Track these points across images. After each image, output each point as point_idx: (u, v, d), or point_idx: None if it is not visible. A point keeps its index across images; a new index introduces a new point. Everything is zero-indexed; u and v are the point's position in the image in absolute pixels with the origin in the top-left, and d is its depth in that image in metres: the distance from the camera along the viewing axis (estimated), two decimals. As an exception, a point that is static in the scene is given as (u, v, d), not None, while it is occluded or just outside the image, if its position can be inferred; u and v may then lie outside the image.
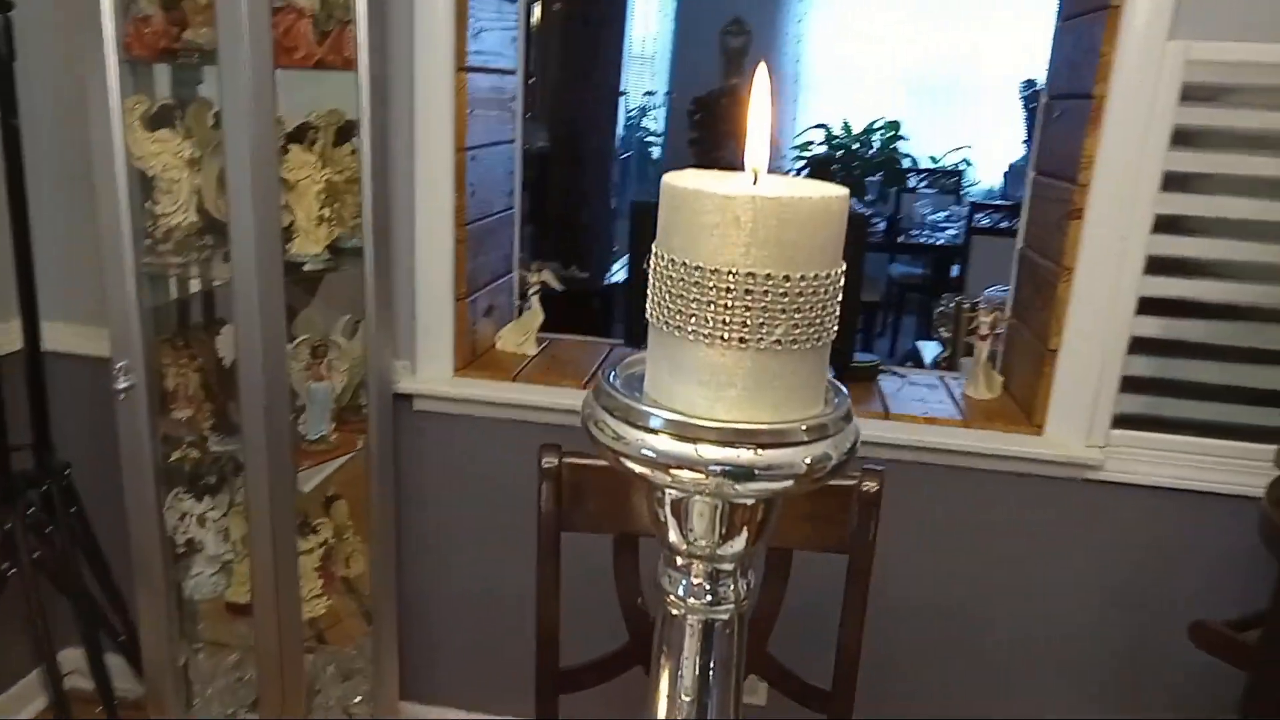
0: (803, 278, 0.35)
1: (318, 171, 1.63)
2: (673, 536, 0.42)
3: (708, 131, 5.89)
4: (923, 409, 1.77)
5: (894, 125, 5.96)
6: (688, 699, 0.44)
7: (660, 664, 0.45)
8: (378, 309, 1.74)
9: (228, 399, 1.81)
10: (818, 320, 0.35)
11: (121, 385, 1.60)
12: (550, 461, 1.14)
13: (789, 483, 0.36)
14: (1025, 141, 5.45)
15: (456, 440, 1.94)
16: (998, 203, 5.10)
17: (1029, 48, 5.76)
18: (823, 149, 5.89)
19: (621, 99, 3.92)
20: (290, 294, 1.82)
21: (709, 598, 0.43)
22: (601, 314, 3.43)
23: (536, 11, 2.91)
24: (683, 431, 0.36)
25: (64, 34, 1.76)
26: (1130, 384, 1.64)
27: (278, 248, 1.56)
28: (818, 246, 0.35)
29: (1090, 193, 1.58)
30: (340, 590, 1.97)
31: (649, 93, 4.86)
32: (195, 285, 1.92)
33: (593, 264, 3.48)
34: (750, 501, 0.40)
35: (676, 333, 0.36)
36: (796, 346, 0.36)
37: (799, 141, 6.03)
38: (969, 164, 5.99)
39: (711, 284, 0.35)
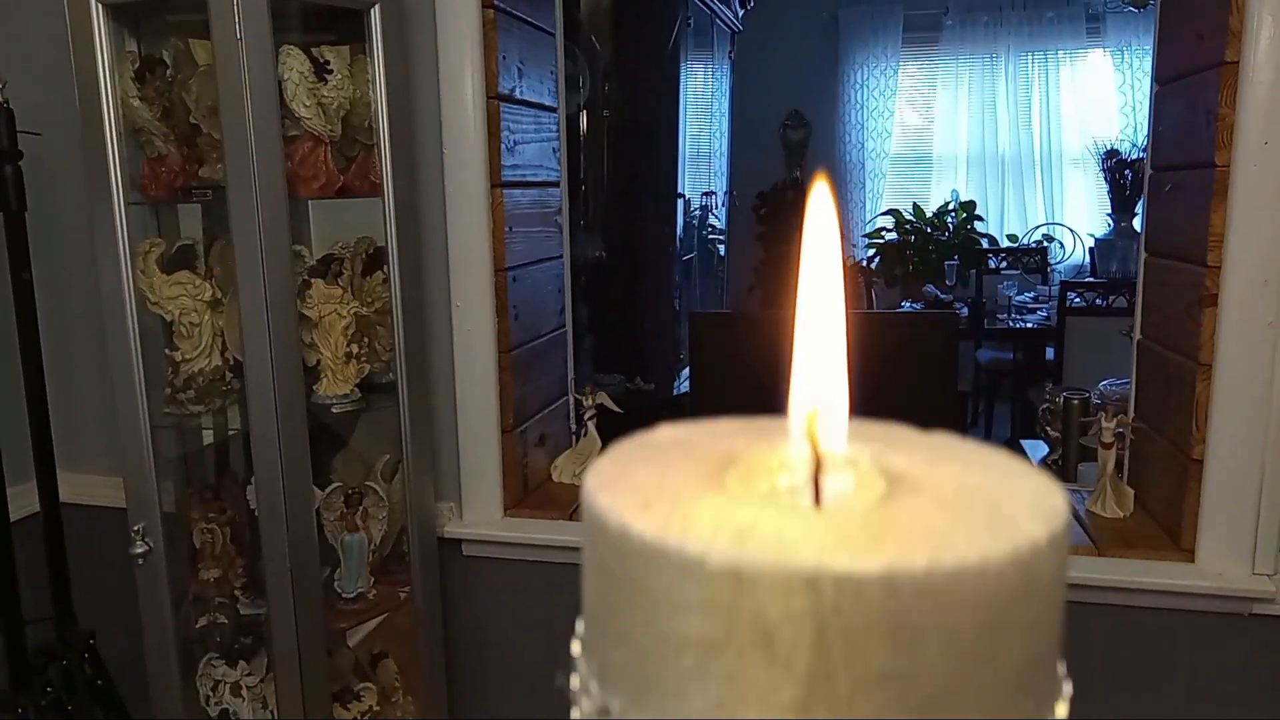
0: None
1: (344, 306, 1.50)
2: None
3: (775, 224, 5.76)
4: (1042, 535, 1.51)
5: (969, 205, 5.75)
6: None
7: None
8: (416, 448, 1.59)
9: (259, 556, 1.66)
10: None
11: (138, 550, 1.46)
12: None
13: None
14: (1110, 215, 5.18)
15: (510, 586, 1.74)
16: (1089, 280, 4.79)
17: (1106, 117, 5.53)
18: (894, 235, 5.69)
19: (680, 201, 3.79)
20: (324, 436, 1.68)
21: None
22: (670, 427, 3.21)
23: (584, 120, 2.82)
24: None
25: (72, 179, 1.69)
26: (1299, 498, 1.37)
27: (299, 391, 1.42)
28: (1007, 680, 0.13)
29: (1224, 275, 1.35)
30: (389, 762, 1.76)
31: (708, 193, 4.76)
32: (234, 432, 1.80)
33: (659, 374, 3.30)
34: None
35: None
36: None
37: (870, 229, 5.85)
38: (1051, 240, 5.71)
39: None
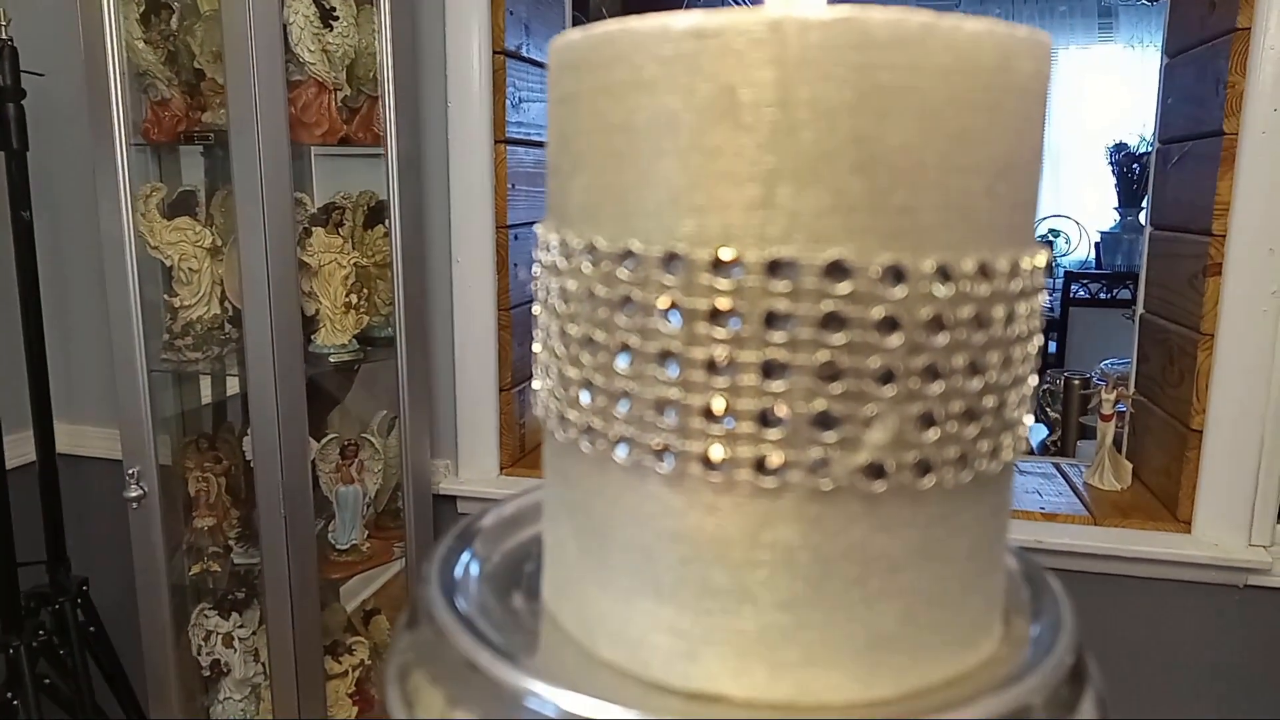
0: (943, 271, 0.13)
1: (344, 256, 1.50)
2: None
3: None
4: (1039, 503, 1.51)
5: (974, 198, 5.73)
6: None
7: None
8: (413, 403, 1.58)
9: (254, 506, 1.66)
10: (987, 402, 0.13)
11: (132, 494, 1.46)
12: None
13: None
14: (1117, 208, 5.16)
15: (504, 547, 1.74)
16: (1093, 272, 4.78)
17: (1116, 112, 5.51)
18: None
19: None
20: (321, 389, 1.68)
21: None
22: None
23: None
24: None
25: (75, 121, 1.69)
26: (1297, 469, 1.36)
27: (298, 339, 1.42)
28: (981, 178, 0.12)
29: (1229, 244, 1.34)
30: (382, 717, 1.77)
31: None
32: (234, 384, 1.80)
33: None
34: None
35: (589, 448, 0.13)
36: (931, 480, 0.13)
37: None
38: (1056, 234, 5.69)
39: (672, 302, 0.12)
